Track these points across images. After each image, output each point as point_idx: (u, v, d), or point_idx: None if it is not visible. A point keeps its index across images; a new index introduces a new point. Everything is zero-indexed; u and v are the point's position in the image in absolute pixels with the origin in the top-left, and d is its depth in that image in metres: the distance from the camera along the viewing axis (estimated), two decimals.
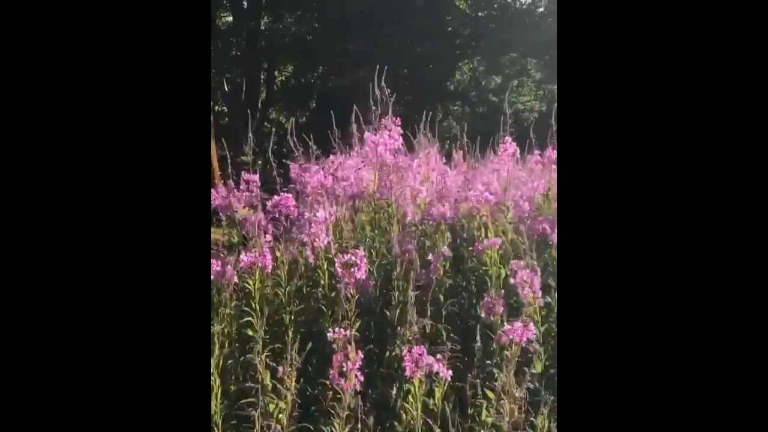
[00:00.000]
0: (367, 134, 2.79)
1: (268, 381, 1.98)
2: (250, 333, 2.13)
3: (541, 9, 14.98)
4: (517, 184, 2.91)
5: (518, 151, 2.96)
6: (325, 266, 2.41)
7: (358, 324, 2.06)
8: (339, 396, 1.89)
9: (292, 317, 2.35)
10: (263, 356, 2.01)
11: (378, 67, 2.71)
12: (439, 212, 2.69)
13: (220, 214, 2.77)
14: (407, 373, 1.89)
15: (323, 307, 2.34)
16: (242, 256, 2.31)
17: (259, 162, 3.16)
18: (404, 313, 2.11)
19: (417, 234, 2.66)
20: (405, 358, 1.91)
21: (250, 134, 2.90)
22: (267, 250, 2.37)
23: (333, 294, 2.29)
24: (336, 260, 2.22)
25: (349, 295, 2.09)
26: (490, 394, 1.94)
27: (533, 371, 2.09)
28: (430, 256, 2.47)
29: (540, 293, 2.14)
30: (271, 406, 1.96)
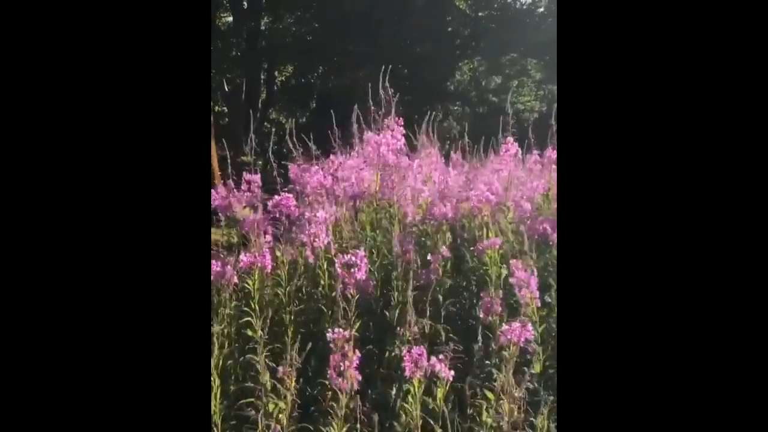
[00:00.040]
0: (369, 134, 2.78)
1: (267, 381, 1.98)
2: (250, 333, 2.13)
3: (541, 9, 14.98)
4: (516, 184, 2.92)
5: (520, 151, 2.97)
6: (325, 266, 2.41)
7: (358, 324, 2.06)
8: (338, 396, 1.89)
9: (292, 317, 2.34)
10: (263, 356, 2.01)
11: (383, 67, 2.71)
12: (441, 212, 2.69)
13: (220, 214, 2.77)
14: (407, 373, 1.89)
15: (323, 307, 2.34)
16: (242, 257, 2.31)
17: (260, 162, 3.16)
18: (404, 314, 2.11)
19: (417, 234, 2.66)
20: (405, 358, 1.91)
21: (252, 134, 2.90)
22: (267, 250, 2.37)
23: (333, 294, 2.29)
24: (336, 260, 2.22)
25: (350, 296, 2.09)
26: (490, 395, 1.94)
27: (532, 371, 2.09)
28: (429, 257, 2.47)
29: (537, 293, 2.14)
30: (271, 406, 1.96)
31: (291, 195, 2.71)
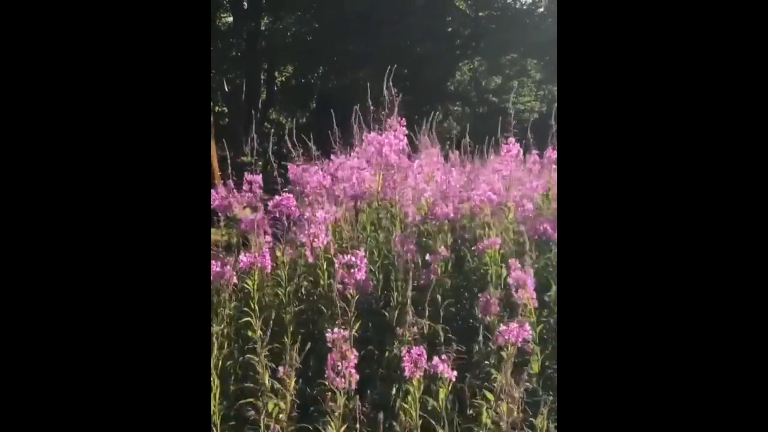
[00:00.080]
0: (372, 134, 2.78)
1: (267, 381, 1.98)
2: (250, 333, 2.13)
3: (542, 9, 15.00)
4: (516, 184, 2.92)
5: (521, 152, 2.97)
6: (325, 266, 2.41)
7: (357, 325, 2.06)
8: (337, 396, 1.89)
9: (292, 317, 2.34)
10: (263, 357, 2.01)
11: (389, 68, 2.71)
12: (443, 212, 2.69)
13: (219, 214, 2.77)
14: (406, 373, 1.89)
15: (323, 308, 2.34)
16: (242, 257, 2.30)
17: (260, 162, 3.16)
18: (403, 314, 2.11)
19: (415, 234, 2.66)
20: (404, 358, 1.91)
21: (254, 134, 2.90)
22: (266, 250, 2.37)
23: (332, 294, 2.29)
24: (336, 261, 2.22)
25: (349, 296, 2.09)
26: (489, 395, 1.94)
27: (530, 371, 2.09)
28: (427, 257, 2.48)
29: (534, 293, 2.14)
30: (271, 406, 1.96)
31: (291, 195, 2.71)
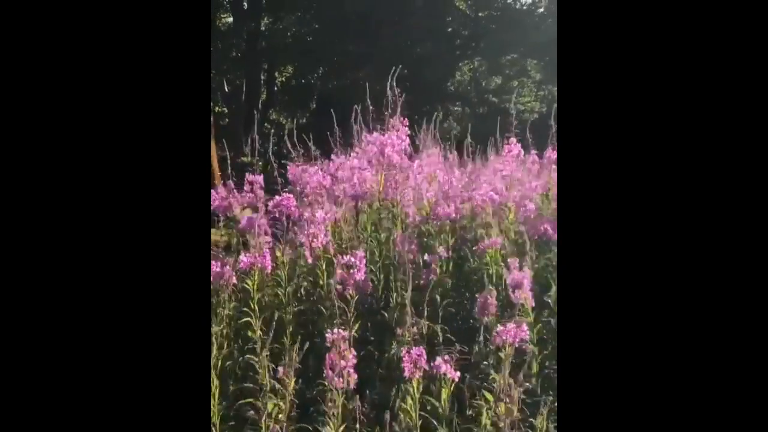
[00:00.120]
0: (375, 134, 2.78)
1: (267, 381, 1.98)
2: (250, 334, 2.13)
3: (542, 10, 15.00)
4: (516, 184, 2.92)
5: (522, 152, 2.98)
6: (324, 267, 2.40)
7: (357, 325, 2.06)
8: (335, 396, 1.89)
9: (291, 318, 2.34)
10: (262, 357, 2.01)
11: (393, 68, 2.71)
12: (445, 212, 2.69)
13: (219, 215, 2.77)
14: (406, 374, 1.89)
15: (322, 308, 2.34)
16: (242, 257, 2.30)
17: (260, 163, 3.16)
18: (403, 314, 2.11)
19: (416, 234, 2.66)
20: (404, 359, 1.90)
21: (256, 135, 2.90)
22: (267, 250, 2.37)
23: (330, 295, 2.30)
24: (335, 261, 2.22)
25: (348, 296, 2.09)
26: (488, 395, 1.94)
27: (528, 371, 2.09)
28: (426, 257, 2.48)
29: (530, 293, 2.14)
30: (270, 406, 1.96)
31: (291, 195, 2.71)
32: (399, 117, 2.75)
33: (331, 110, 2.99)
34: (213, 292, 2.26)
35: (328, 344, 1.90)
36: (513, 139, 2.91)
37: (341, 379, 1.88)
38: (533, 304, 2.16)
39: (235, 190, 2.79)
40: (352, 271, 2.17)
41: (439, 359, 1.90)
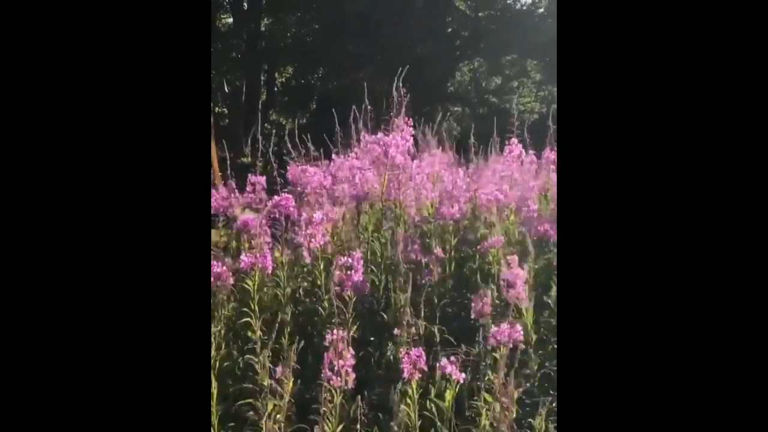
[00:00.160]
0: (379, 135, 2.78)
1: (267, 382, 1.98)
2: (249, 334, 2.13)
3: (542, 10, 15.01)
4: (515, 185, 2.93)
5: (523, 153, 2.98)
6: (322, 267, 2.40)
7: (356, 326, 2.06)
8: (334, 396, 1.89)
9: (291, 318, 2.34)
10: (263, 357, 2.00)
11: (400, 69, 2.70)
12: (449, 212, 2.69)
13: (219, 215, 2.77)
14: (405, 374, 1.89)
15: (320, 309, 2.33)
16: (242, 257, 2.30)
17: (260, 163, 3.17)
18: (402, 315, 2.10)
19: (417, 234, 2.66)
20: (403, 359, 1.90)
21: (258, 135, 2.90)
22: (267, 251, 2.37)
23: (328, 296, 2.30)
24: (334, 261, 2.22)
25: (347, 297, 2.09)
26: (487, 396, 1.94)
27: (527, 371, 2.09)
28: (425, 258, 2.48)
29: (524, 292, 2.14)
30: (269, 406, 1.96)
31: (290, 196, 2.71)
32: (404, 117, 2.75)
33: (333, 111, 2.99)
34: (212, 292, 2.26)
35: (327, 344, 1.90)
36: (514, 140, 2.92)
37: (339, 378, 1.88)
38: (527, 304, 2.16)
39: (236, 191, 2.79)
40: (349, 272, 2.17)
41: (444, 360, 1.90)
